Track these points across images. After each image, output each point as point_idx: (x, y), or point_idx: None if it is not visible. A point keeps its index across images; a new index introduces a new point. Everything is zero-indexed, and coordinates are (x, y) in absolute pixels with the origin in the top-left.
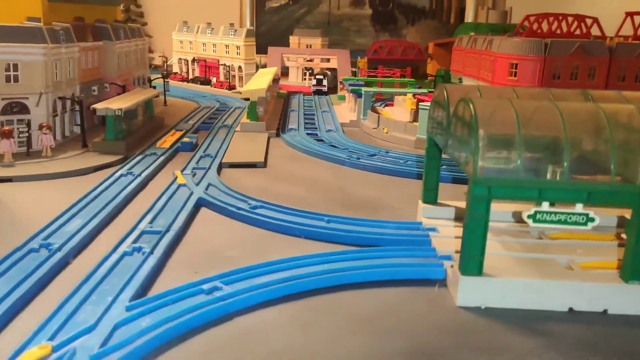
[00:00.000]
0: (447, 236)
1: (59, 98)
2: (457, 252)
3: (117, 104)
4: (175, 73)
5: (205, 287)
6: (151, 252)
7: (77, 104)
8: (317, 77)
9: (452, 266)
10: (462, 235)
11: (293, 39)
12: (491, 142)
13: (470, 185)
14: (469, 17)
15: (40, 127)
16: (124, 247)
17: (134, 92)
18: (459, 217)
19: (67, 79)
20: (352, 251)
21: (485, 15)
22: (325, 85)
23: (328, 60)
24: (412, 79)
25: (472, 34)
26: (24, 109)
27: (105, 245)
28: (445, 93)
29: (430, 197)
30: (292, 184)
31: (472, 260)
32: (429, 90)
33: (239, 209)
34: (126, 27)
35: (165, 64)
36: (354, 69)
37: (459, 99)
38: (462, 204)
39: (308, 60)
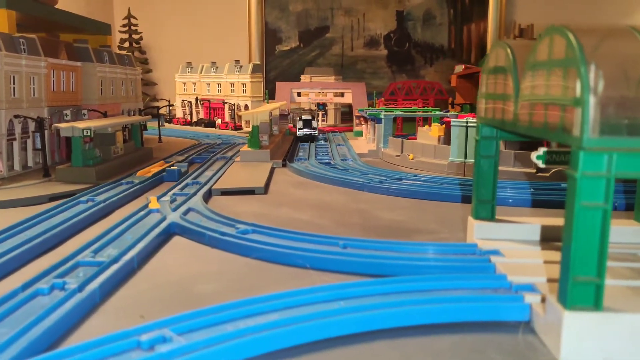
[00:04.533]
0: (518, 260)
1: (16, 116)
2: (548, 280)
3: (87, 124)
4: (178, 118)
5: (144, 337)
6: (79, 289)
7: (36, 123)
8: (304, 117)
9: (542, 299)
10: (562, 245)
11: (304, 78)
12: (610, 81)
13: (578, 155)
14: (489, 50)
15: None
16: (40, 283)
17: (112, 117)
18: (527, 237)
19: (29, 97)
20: (382, 281)
21: None
22: (315, 128)
23: (342, 94)
24: (437, 108)
25: None
26: None
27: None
28: (508, 50)
29: (485, 211)
30: (298, 209)
31: (583, 284)
32: (459, 112)
33: (224, 234)
34: (112, 51)
35: (168, 107)
36: (370, 101)
37: (538, 39)
38: (529, 220)
39: (319, 93)
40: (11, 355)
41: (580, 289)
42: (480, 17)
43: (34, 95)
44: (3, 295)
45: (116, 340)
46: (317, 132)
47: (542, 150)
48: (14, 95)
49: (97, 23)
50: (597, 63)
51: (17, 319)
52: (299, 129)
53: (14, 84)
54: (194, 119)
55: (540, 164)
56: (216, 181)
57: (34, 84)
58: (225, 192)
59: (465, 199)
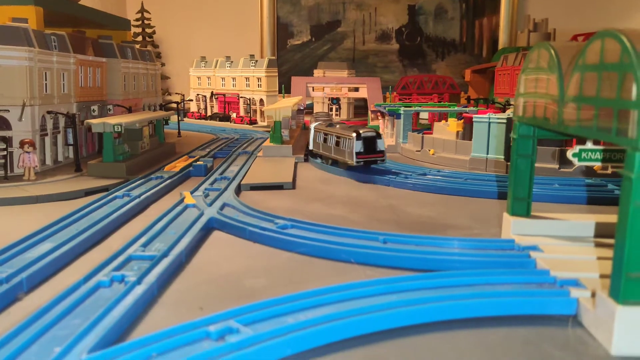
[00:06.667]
0: (558, 256)
1: (48, 112)
2: (591, 275)
3: (117, 120)
4: (193, 112)
5: (212, 328)
6: (138, 282)
7: (68, 119)
8: (365, 133)
9: (592, 294)
10: (615, 242)
11: (317, 73)
12: None
13: (633, 157)
14: (501, 44)
15: (22, 145)
16: (100, 276)
17: (139, 113)
18: (563, 234)
19: (60, 93)
20: (430, 275)
21: (526, 39)
22: (382, 151)
23: (357, 89)
24: (454, 103)
25: (521, 50)
26: (4, 124)
27: (79, 275)
28: (552, 51)
29: (521, 208)
30: (329, 204)
31: (636, 280)
32: (479, 108)
33: (264, 229)
34: (134, 47)
35: (183, 102)
36: (384, 96)
37: (586, 44)
38: (562, 216)
39: (334, 88)
40: (91, 344)
41: (633, 284)
42: (492, 11)
43: (64, 91)
44: (68, 287)
45: (185, 330)
46: (385, 156)
47: (577, 148)
48: (46, 91)
49: (118, 19)
50: None
51: (85, 310)
52: (358, 153)
53: (46, 80)
54: (209, 113)
55: (576, 162)
56: (243, 176)
57: (64, 80)
58: (255, 187)
59: (492, 195)
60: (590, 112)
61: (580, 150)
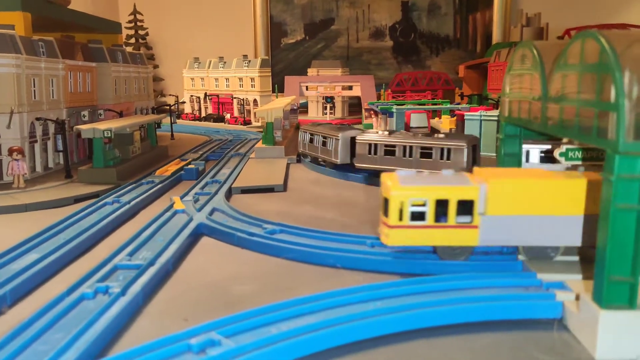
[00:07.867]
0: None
1: (37, 119)
2: (576, 278)
3: (107, 125)
4: (187, 114)
5: (194, 341)
6: (122, 293)
7: (58, 125)
8: None
9: (577, 297)
10: (597, 245)
11: (311, 72)
12: None
13: (613, 159)
14: (495, 39)
15: (10, 152)
16: (83, 288)
17: (130, 117)
18: None
19: (49, 99)
20: (416, 281)
21: (519, 34)
22: None
23: (350, 87)
24: (447, 100)
25: (513, 45)
26: None
27: (64, 286)
28: (534, 51)
29: None
30: (319, 207)
31: (618, 284)
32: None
33: (252, 234)
34: (125, 51)
35: (177, 103)
36: (377, 93)
37: (569, 42)
38: None
39: (328, 86)
40: (72, 359)
41: (616, 288)
42: (485, 6)
43: (53, 97)
44: (51, 299)
45: (167, 344)
46: None
47: (564, 148)
48: (35, 98)
49: (108, 22)
50: (630, 68)
51: (68, 324)
52: None
53: (34, 86)
54: (203, 114)
55: (563, 161)
56: (235, 179)
57: (53, 86)
58: (246, 190)
59: None
60: (572, 113)
61: (567, 150)
